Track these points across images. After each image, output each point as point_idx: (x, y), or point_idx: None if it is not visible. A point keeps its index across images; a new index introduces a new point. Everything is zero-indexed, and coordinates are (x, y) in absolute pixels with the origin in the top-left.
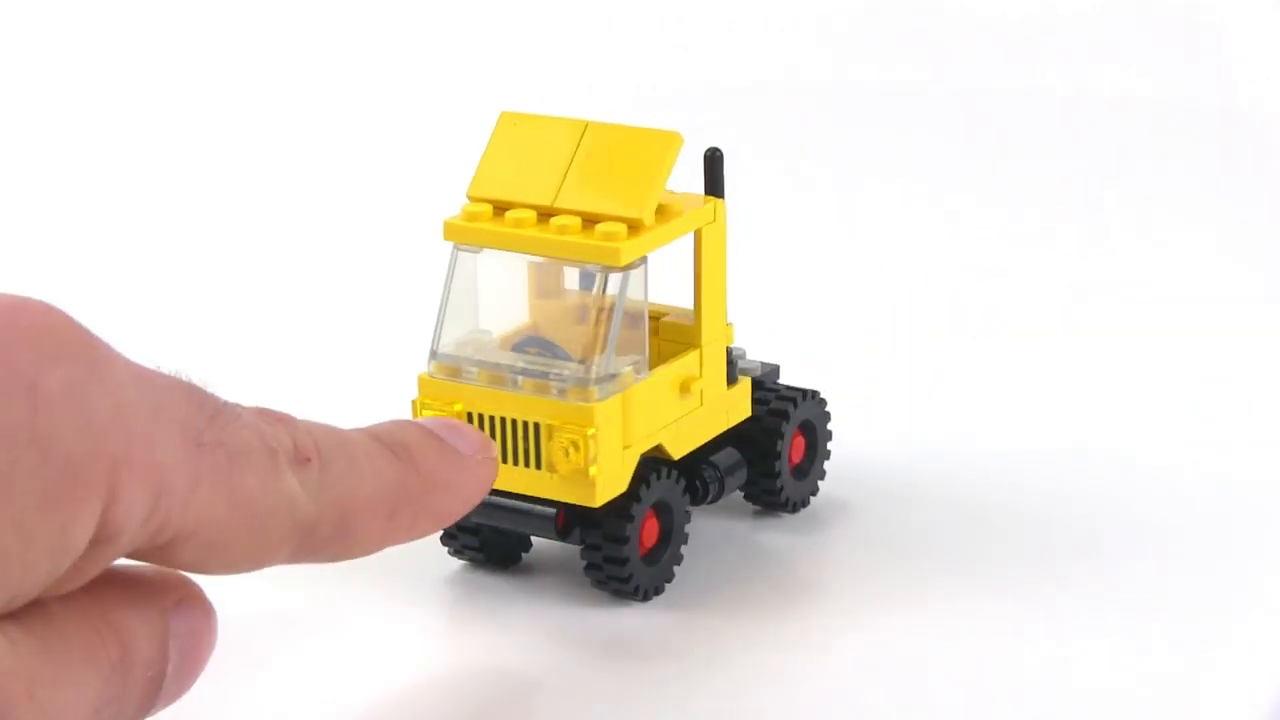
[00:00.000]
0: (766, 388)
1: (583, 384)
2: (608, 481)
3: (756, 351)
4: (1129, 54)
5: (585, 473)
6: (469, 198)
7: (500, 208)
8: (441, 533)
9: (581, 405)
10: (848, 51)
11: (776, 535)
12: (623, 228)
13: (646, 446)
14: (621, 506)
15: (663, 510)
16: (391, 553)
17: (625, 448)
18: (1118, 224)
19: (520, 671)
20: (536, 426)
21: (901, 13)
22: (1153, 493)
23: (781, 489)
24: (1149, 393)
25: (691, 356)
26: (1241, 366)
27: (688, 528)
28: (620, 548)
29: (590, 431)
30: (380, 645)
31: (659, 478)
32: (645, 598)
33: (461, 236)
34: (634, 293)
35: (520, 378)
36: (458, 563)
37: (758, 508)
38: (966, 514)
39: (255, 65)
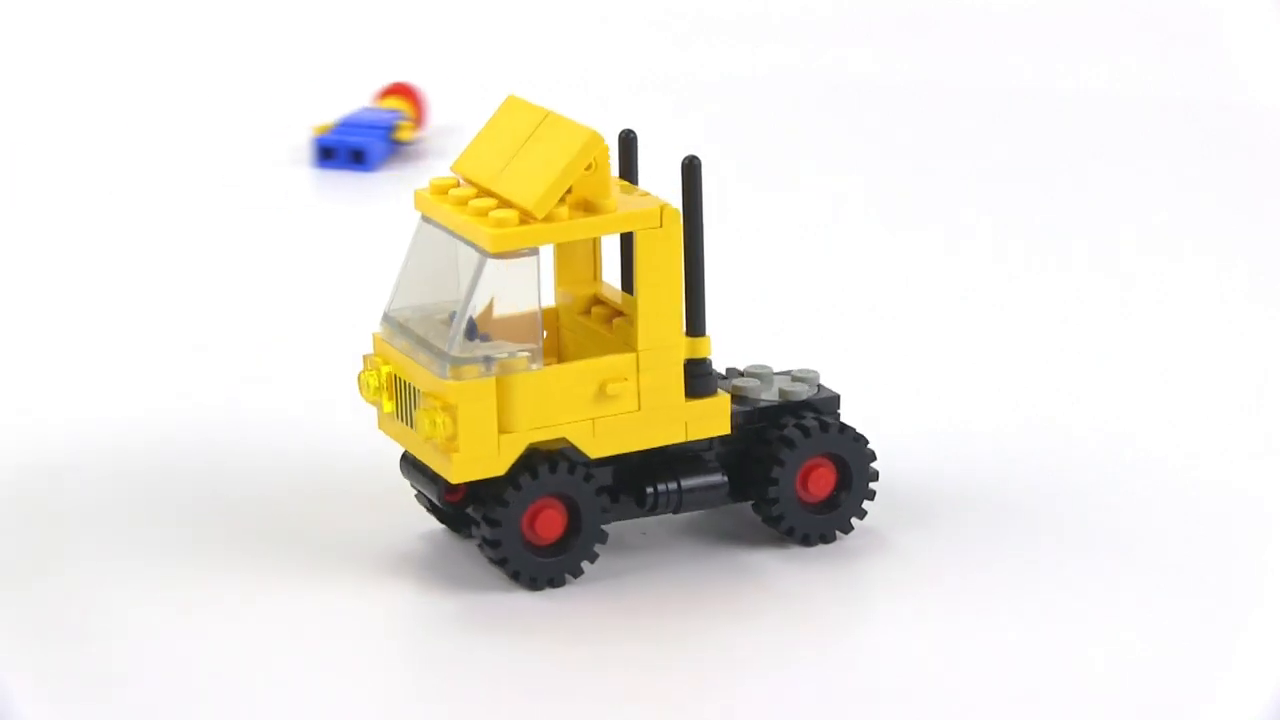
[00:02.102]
0: (800, 413)
1: (453, 362)
2: (472, 461)
3: (745, 358)
4: (1127, 53)
5: (442, 447)
6: (451, 171)
7: (462, 184)
8: (415, 491)
9: (445, 381)
10: (847, 52)
11: (765, 552)
12: (514, 215)
13: (539, 437)
14: (499, 491)
15: (569, 504)
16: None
17: (503, 432)
18: (1116, 223)
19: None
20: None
21: (903, 13)
22: (1151, 490)
23: (780, 518)
24: (1148, 391)
25: (621, 359)
26: (1240, 366)
27: (608, 527)
28: (492, 530)
29: (447, 407)
30: (319, 600)
31: (553, 470)
32: (535, 586)
33: (421, 206)
34: (524, 284)
35: (420, 349)
36: (439, 526)
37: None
38: (960, 517)
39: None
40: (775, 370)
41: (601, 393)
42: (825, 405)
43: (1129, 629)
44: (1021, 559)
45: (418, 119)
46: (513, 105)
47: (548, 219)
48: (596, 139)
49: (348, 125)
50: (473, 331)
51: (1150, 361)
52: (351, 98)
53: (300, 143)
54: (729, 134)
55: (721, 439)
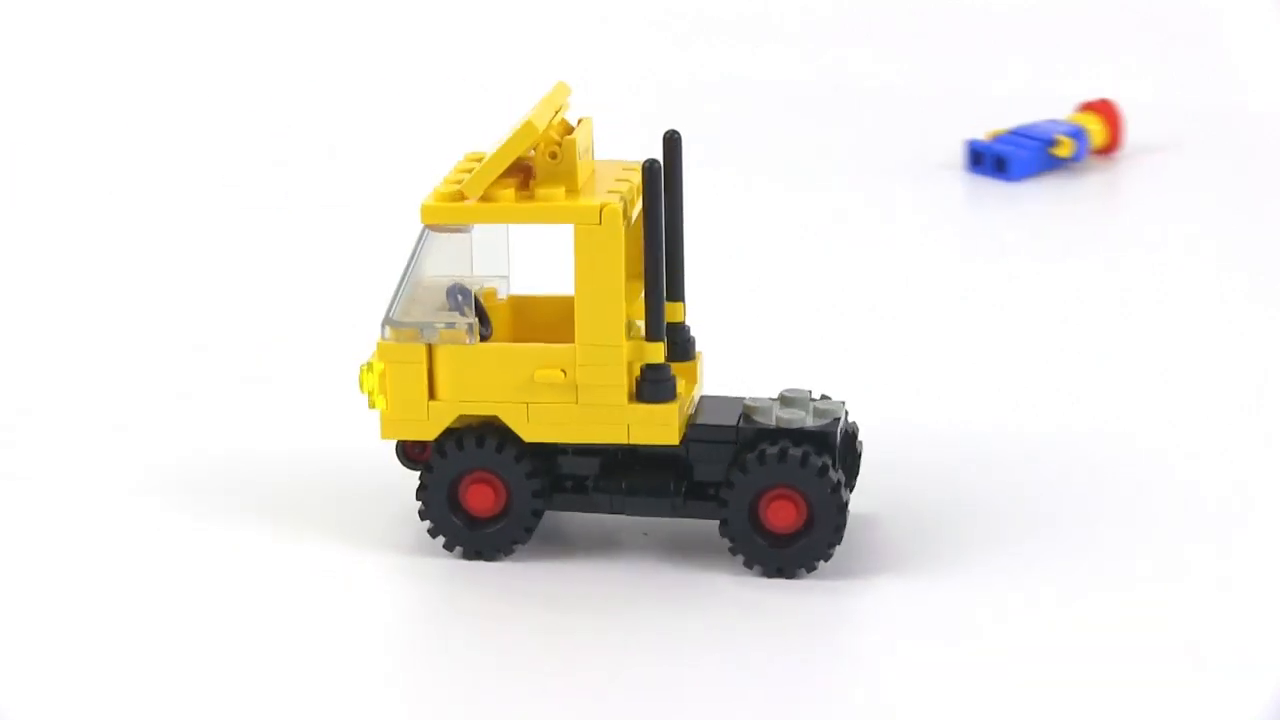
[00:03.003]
0: (779, 440)
1: (390, 324)
2: (399, 421)
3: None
4: (1127, 55)
5: (371, 403)
6: None
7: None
8: None
9: (380, 340)
10: (846, 52)
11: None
12: (453, 192)
13: (470, 410)
14: (430, 458)
15: (500, 481)
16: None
17: (432, 399)
18: (1115, 224)
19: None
20: None
21: (902, 14)
22: (1152, 491)
23: (732, 541)
24: (1148, 392)
25: (555, 349)
26: (1240, 366)
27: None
28: (421, 495)
29: (373, 363)
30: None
31: (479, 445)
32: (464, 555)
33: None
34: (457, 258)
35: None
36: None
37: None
38: (959, 517)
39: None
40: (812, 396)
41: (534, 378)
42: (814, 439)
43: (1129, 629)
44: (1021, 560)
45: (1111, 138)
46: (555, 89)
47: (487, 199)
48: (529, 129)
49: (1016, 134)
50: (463, 298)
51: (1150, 361)
52: (1050, 108)
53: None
54: (729, 134)
55: (711, 453)
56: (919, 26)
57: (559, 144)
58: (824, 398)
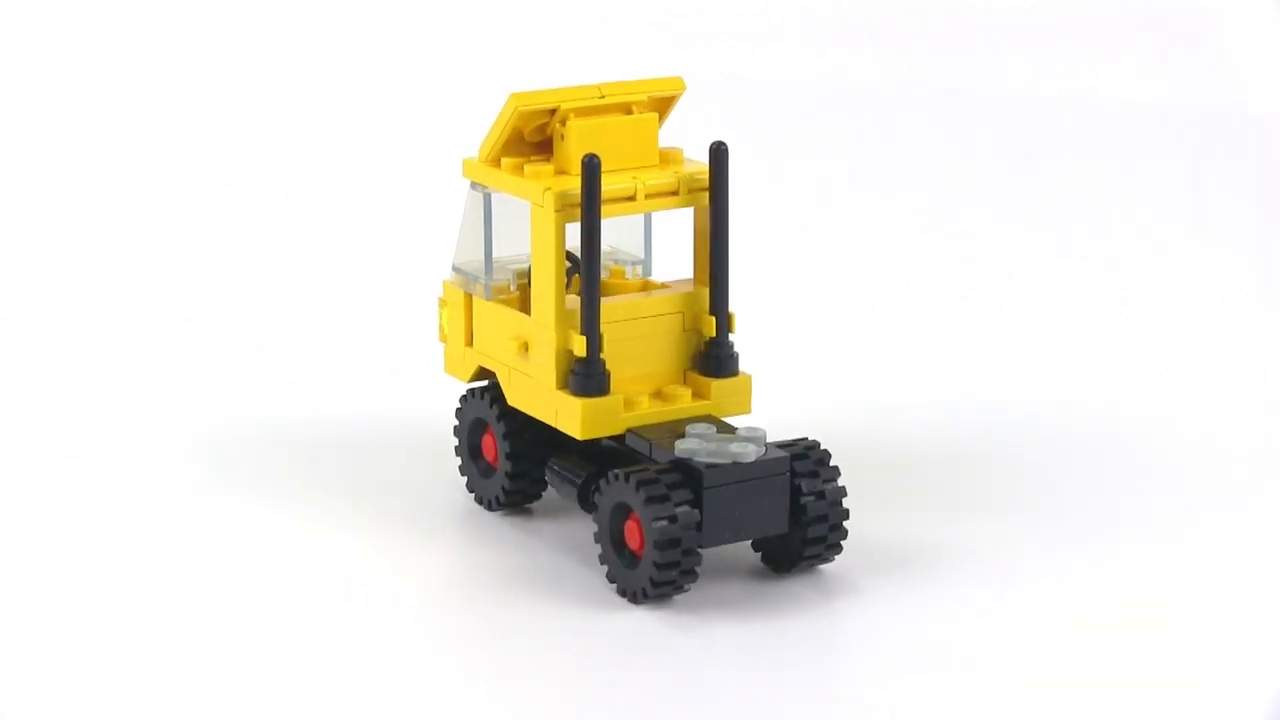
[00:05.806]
0: (640, 468)
1: (453, 268)
2: (452, 358)
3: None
4: (1127, 55)
5: (440, 336)
6: None
7: None
8: None
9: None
10: (847, 54)
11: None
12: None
13: (486, 362)
14: None
15: (495, 436)
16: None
17: (466, 344)
18: (1116, 224)
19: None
20: None
21: (902, 15)
22: (1151, 491)
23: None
24: (1148, 392)
25: (524, 321)
26: (1240, 365)
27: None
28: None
29: (441, 300)
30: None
31: (479, 397)
32: (476, 500)
33: None
34: (477, 216)
35: None
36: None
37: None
38: (961, 516)
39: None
40: (770, 440)
41: (509, 345)
42: (684, 470)
43: (1129, 629)
44: (1020, 561)
45: None
46: (661, 79)
47: (500, 165)
48: (509, 102)
49: None
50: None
51: (1150, 362)
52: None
53: None
54: (729, 134)
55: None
56: (919, 26)
57: (564, 125)
58: (795, 442)
